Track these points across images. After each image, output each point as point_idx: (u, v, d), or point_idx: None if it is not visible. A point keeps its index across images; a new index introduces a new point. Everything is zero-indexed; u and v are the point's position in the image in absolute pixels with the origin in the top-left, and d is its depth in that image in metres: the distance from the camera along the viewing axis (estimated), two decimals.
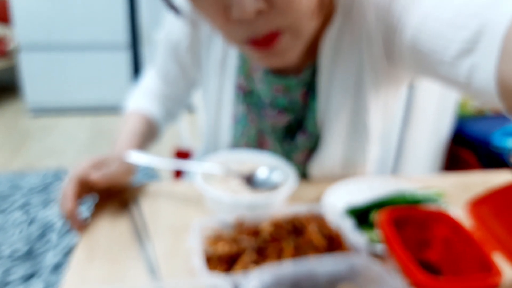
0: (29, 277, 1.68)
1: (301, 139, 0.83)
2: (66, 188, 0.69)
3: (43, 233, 1.94)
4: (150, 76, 1.00)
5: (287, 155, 0.85)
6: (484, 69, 0.51)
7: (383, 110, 0.80)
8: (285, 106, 0.82)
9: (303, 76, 0.79)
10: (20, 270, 1.71)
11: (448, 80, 0.60)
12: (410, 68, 0.71)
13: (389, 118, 0.83)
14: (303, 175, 0.86)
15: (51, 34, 3.11)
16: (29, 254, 1.81)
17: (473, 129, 1.62)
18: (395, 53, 0.71)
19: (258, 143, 0.87)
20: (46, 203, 2.17)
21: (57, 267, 1.74)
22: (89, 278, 0.60)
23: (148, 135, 0.92)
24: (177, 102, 1.01)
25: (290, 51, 0.66)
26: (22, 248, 1.83)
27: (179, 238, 0.68)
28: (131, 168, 0.78)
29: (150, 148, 0.95)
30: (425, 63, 0.63)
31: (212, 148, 0.92)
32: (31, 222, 2.02)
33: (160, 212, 0.74)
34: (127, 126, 0.88)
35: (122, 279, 0.60)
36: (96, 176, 0.70)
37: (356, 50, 0.75)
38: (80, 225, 0.69)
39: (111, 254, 0.65)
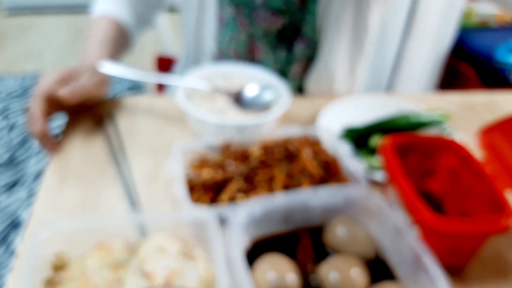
0: (12, 185, 1.66)
1: (299, 48, 0.77)
2: (33, 107, 0.62)
3: (24, 140, 1.88)
4: None
5: (283, 67, 0.79)
6: None
7: (382, 6, 0.73)
8: (280, 7, 0.74)
9: None
10: (3, 178, 1.68)
11: None
12: None
13: (387, 18, 0.76)
14: (299, 90, 0.79)
15: None
16: (11, 162, 1.76)
17: (476, 42, 1.52)
18: None
19: (249, 51, 0.79)
20: (26, 109, 2.09)
21: (40, 175, 1.71)
22: (60, 204, 0.55)
23: (119, 42, 0.81)
24: (150, 5, 0.88)
25: None
26: (3, 155, 1.79)
27: (160, 160, 0.62)
28: (104, 80, 0.70)
29: (125, 56, 0.84)
30: None
31: (193, 57, 0.82)
32: (11, 128, 1.95)
33: (138, 130, 0.68)
34: (95, 33, 0.77)
35: (96, 206, 0.56)
36: (64, 92, 0.62)
37: None
38: (53, 145, 0.64)
39: (84, 177, 0.60)
